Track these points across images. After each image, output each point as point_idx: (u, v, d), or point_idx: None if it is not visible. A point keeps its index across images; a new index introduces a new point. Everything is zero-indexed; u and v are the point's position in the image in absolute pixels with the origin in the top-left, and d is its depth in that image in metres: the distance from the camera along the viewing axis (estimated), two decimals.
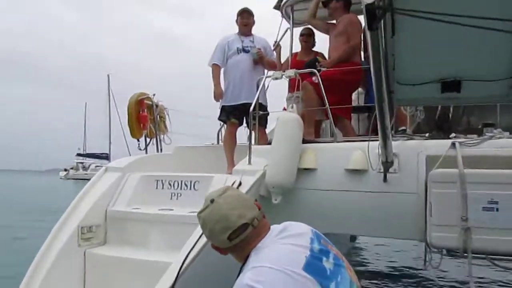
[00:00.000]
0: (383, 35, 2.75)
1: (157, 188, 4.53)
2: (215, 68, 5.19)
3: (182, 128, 6.67)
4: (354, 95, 6.62)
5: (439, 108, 4.37)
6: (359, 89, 6.18)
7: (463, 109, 4.72)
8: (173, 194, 4.41)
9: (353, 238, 8.07)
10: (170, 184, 4.45)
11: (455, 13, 2.20)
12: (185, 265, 3.05)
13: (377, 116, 3.15)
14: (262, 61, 5.14)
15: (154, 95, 5.62)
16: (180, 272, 3.01)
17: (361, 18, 5.11)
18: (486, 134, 3.84)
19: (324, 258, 1.64)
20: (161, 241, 3.83)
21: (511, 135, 3.91)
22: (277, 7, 6.15)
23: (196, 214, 1.81)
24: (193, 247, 3.18)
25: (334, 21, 5.32)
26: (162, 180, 4.50)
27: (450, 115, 4.28)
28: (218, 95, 5.15)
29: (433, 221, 3.42)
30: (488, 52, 2.85)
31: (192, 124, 7.23)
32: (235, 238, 1.69)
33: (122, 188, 4.50)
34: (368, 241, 8.76)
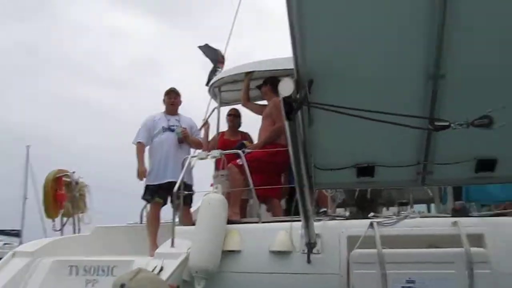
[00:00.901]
0: (301, 124, 2.90)
1: (70, 274, 4.21)
2: (139, 146, 5.14)
3: (104, 206, 6.38)
4: None
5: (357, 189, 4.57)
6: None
7: (381, 190, 4.96)
8: (88, 281, 4.11)
9: None
10: (85, 270, 4.15)
11: (366, 108, 2.38)
12: None
13: (298, 198, 3.23)
14: (187, 140, 5.17)
15: (73, 172, 5.37)
16: None
17: None
18: (402, 213, 4.05)
19: None
20: None
21: (423, 213, 4.16)
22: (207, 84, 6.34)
23: None
24: None
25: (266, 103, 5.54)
26: (76, 266, 4.19)
27: (368, 194, 4.49)
28: (141, 174, 5.05)
29: None
30: (398, 141, 3.07)
31: (115, 202, 6.92)
32: None
33: (31, 276, 4.14)
34: None
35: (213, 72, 6.25)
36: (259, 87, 5.42)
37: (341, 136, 3.10)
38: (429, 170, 3.22)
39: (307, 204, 3.27)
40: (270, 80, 5.37)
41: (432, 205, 5.63)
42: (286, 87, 2.43)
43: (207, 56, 6.51)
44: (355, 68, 2.71)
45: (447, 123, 2.37)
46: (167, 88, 5.49)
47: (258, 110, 5.66)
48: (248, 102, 5.59)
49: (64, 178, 5.29)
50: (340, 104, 2.51)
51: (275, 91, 5.37)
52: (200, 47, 6.58)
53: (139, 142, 5.17)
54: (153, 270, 3.76)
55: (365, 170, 3.26)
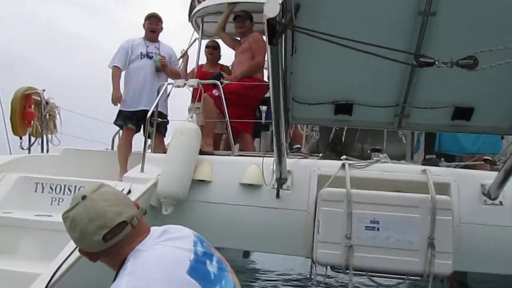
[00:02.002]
0: (283, 52, 2.80)
1: (36, 191, 4.11)
2: (115, 70, 4.96)
3: (74, 130, 6.23)
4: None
5: (333, 130, 4.57)
6: (262, 107, 6.27)
7: (355, 135, 4.98)
8: (53, 199, 4.04)
9: (246, 254, 8.08)
10: (51, 188, 4.07)
11: (353, 38, 2.29)
12: (55, 277, 2.75)
13: (273, 132, 3.19)
14: (165, 69, 5.01)
15: (44, 90, 5.17)
16: (49, 284, 2.71)
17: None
18: (374, 158, 4.07)
19: (208, 262, 1.54)
20: (33, 250, 3.45)
21: (395, 161, 4.20)
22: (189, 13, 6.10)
23: None
24: (68, 257, 2.89)
25: (239, 38, 5.38)
26: (42, 183, 4.10)
27: (343, 138, 4.50)
28: (116, 99, 4.90)
29: (319, 238, 3.51)
30: (380, 79, 3.03)
31: (86, 127, 6.78)
32: (111, 239, 1.48)
33: None
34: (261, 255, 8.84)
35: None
36: (238, 19, 5.22)
37: (323, 70, 3.03)
38: (406, 113, 3.21)
39: (281, 138, 3.22)
40: (251, 16, 5.21)
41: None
42: (272, 8, 2.30)
43: None
44: None
45: (431, 60, 2.31)
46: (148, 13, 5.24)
47: (230, 42, 5.51)
48: (223, 32, 5.43)
49: (33, 97, 5.09)
50: (326, 32, 2.41)
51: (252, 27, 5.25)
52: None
53: (115, 66, 4.97)
54: None
55: (343, 108, 3.23)
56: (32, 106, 5.12)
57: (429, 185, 3.58)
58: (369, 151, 4.44)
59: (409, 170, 3.84)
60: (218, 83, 4.45)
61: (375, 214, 3.47)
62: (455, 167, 4.01)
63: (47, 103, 5.30)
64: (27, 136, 5.11)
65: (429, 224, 3.41)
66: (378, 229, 3.46)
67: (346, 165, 3.79)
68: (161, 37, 5.30)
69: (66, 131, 5.76)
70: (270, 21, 2.31)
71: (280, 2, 2.41)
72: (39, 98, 5.13)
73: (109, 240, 1.48)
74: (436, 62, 2.29)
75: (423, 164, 4.02)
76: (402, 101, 3.11)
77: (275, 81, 2.74)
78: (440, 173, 3.80)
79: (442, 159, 4.47)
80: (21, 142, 5.05)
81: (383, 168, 3.87)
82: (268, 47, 2.49)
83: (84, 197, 1.50)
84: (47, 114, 5.33)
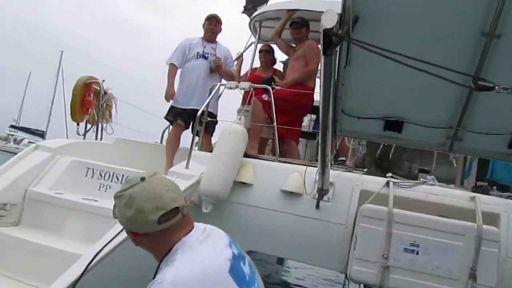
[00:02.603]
0: (337, 63, 2.79)
1: (86, 176, 4.32)
2: (172, 68, 5.10)
3: (128, 121, 6.47)
4: (305, 122, 6.71)
5: (381, 146, 4.47)
6: (312, 115, 6.25)
7: (403, 153, 4.85)
8: (101, 185, 4.22)
9: (280, 261, 8.06)
10: (100, 174, 4.26)
11: (410, 55, 2.24)
12: (96, 259, 2.87)
13: (319, 142, 3.16)
14: (219, 70, 5.10)
15: (103, 81, 5.42)
16: (89, 266, 2.83)
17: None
18: (421, 179, 3.96)
19: (242, 263, 1.59)
20: (78, 231, 3.63)
21: (443, 184, 4.05)
22: (245, 11, 6.21)
23: None
24: (110, 241, 3.01)
25: (294, 45, 5.39)
26: (93, 169, 4.30)
27: (390, 155, 4.39)
28: (169, 96, 5.05)
29: (355, 255, 3.45)
30: (433, 99, 2.94)
31: (139, 119, 7.01)
32: (164, 222, 1.52)
33: (49, 170, 4.26)
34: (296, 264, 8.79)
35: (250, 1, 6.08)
36: (295, 25, 5.23)
37: (376, 84, 2.98)
38: (460, 136, 3.09)
39: (327, 148, 3.20)
40: (308, 23, 5.21)
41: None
42: (329, 19, 2.29)
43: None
44: (405, 12, 2.55)
45: (491, 85, 2.22)
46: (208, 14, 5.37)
47: (285, 48, 5.53)
48: (278, 37, 5.46)
49: (93, 86, 5.34)
50: (382, 47, 2.37)
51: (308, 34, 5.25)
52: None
53: (172, 64, 5.12)
54: None
55: (393, 125, 3.15)
56: (92, 94, 5.36)
57: (477, 213, 3.42)
58: (416, 171, 4.31)
59: (457, 195, 3.70)
60: (269, 88, 4.48)
61: (416, 237, 3.36)
62: (507, 197, 3.81)
63: (105, 93, 5.54)
64: (83, 122, 5.35)
65: (473, 254, 3.27)
66: (417, 253, 3.35)
67: (391, 183, 3.70)
68: (220, 35, 5.41)
69: (120, 121, 6.00)
70: (327, 32, 2.30)
71: (339, 13, 2.41)
72: (98, 88, 5.37)
73: (163, 222, 1.52)
74: (496, 87, 2.20)
75: (472, 191, 3.85)
76: (456, 124, 3.00)
77: (326, 92, 2.72)
78: (490, 202, 3.63)
79: (494, 187, 4.27)
80: (78, 128, 5.31)
81: (429, 190, 3.74)
82: (322, 57, 2.48)
83: (143, 179, 1.57)
84: (104, 103, 5.57)
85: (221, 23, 5.33)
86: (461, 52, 2.61)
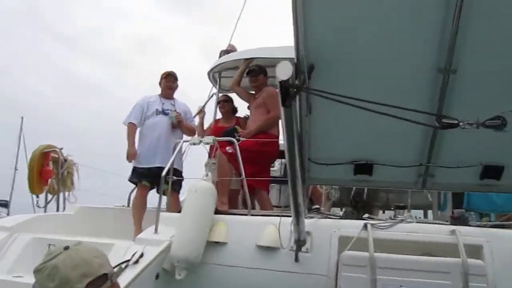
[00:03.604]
0: (298, 112, 2.71)
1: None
2: (131, 127, 4.97)
3: (93, 185, 6.20)
4: (277, 166, 6.60)
5: (354, 188, 4.39)
6: (282, 160, 6.15)
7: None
8: None
9: None
10: None
11: (370, 99, 2.18)
12: None
13: (290, 193, 3.03)
14: (181, 125, 4.99)
15: (61, 148, 5.19)
16: None
17: None
18: (398, 216, 3.86)
19: None
20: None
21: (420, 219, 3.96)
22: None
23: None
24: None
25: (253, 92, 5.36)
26: (54, 245, 3.99)
27: (365, 195, 4.30)
28: (130, 156, 4.87)
29: None
30: (400, 139, 2.88)
31: (105, 182, 6.76)
32: None
33: (6, 251, 3.95)
34: None
35: None
36: (252, 73, 5.21)
37: (340, 129, 2.90)
38: (431, 173, 3.02)
39: (299, 199, 3.06)
40: (265, 70, 5.21)
41: (430, 212, 5.46)
42: (284, 70, 2.23)
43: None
44: (359, 56, 2.51)
45: (455, 121, 2.16)
46: (165, 70, 5.30)
47: (246, 96, 5.49)
48: (238, 86, 5.40)
49: (52, 154, 5.10)
50: (341, 93, 2.31)
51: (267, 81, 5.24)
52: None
53: (130, 123, 4.99)
54: (133, 256, 3.59)
55: (363, 168, 3.06)
56: (50, 163, 5.12)
57: (460, 248, 3.33)
58: (392, 208, 4.21)
59: (436, 231, 3.60)
60: (234, 140, 4.37)
61: (402, 281, 3.22)
62: (486, 226, 3.74)
63: (65, 160, 5.30)
64: (44, 194, 5.07)
65: None
66: None
67: (369, 226, 3.58)
68: (180, 90, 5.35)
69: (84, 186, 5.73)
70: (283, 83, 2.23)
71: (293, 63, 2.35)
72: (57, 156, 5.13)
73: None
74: (461, 124, 2.14)
75: (451, 223, 3.76)
76: (426, 161, 2.93)
77: (290, 142, 2.62)
78: (471, 233, 3.55)
79: (472, 214, 4.22)
80: (37, 201, 5.02)
81: (408, 228, 3.64)
82: (282, 109, 2.40)
83: (67, 248, 1.50)
84: (65, 171, 5.32)
85: (177, 80, 5.27)
86: (419, 91, 2.57)
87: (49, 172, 5.05)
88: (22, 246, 3.97)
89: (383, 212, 5.32)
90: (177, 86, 5.25)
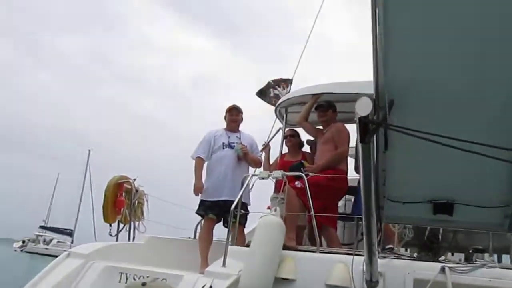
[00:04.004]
0: (375, 148, 2.66)
1: (120, 281, 4.15)
2: (199, 161, 5.10)
3: (161, 217, 6.37)
4: (341, 202, 6.46)
5: (428, 227, 4.18)
6: (346, 196, 6.02)
7: (455, 231, 4.51)
8: None
9: None
10: (135, 279, 4.06)
11: (452, 135, 2.11)
12: None
13: (364, 231, 2.94)
14: (247, 157, 5.05)
15: (135, 179, 5.41)
16: None
17: (349, 127, 5.15)
18: (477, 261, 3.62)
19: None
20: None
21: (503, 264, 3.69)
22: (259, 93, 6.33)
23: None
24: None
25: (321, 127, 5.35)
26: (126, 274, 4.13)
27: (440, 236, 4.08)
28: (197, 189, 4.99)
29: None
30: (484, 177, 2.74)
31: (172, 213, 6.92)
32: None
33: (82, 278, 4.11)
34: None
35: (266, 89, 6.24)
36: (321, 108, 5.22)
37: (419, 166, 2.80)
38: None
39: (373, 237, 2.97)
40: (334, 105, 5.20)
41: (505, 256, 5.08)
42: (364, 106, 2.21)
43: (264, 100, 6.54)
44: (442, 90, 2.44)
45: None
46: (229, 105, 5.44)
47: (313, 132, 5.49)
48: (305, 121, 5.42)
49: (125, 185, 5.33)
50: (421, 129, 2.25)
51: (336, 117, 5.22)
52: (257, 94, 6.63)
53: (198, 157, 5.13)
54: None
55: (443, 207, 2.92)
56: (123, 194, 5.34)
57: None
58: (471, 251, 3.96)
59: None
60: (303, 175, 4.35)
61: None
62: None
63: (136, 190, 5.51)
64: (115, 223, 5.27)
65: None
66: None
67: (447, 269, 3.39)
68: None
69: (152, 217, 5.90)
70: (362, 119, 2.21)
71: (372, 99, 2.33)
72: (130, 187, 5.35)
73: None
74: None
75: None
76: None
77: (367, 180, 2.57)
78: None
79: None
80: (110, 229, 5.22)
81: (490, 274, 3.40)
82: (360, 145, 2.37)
83: (144, 284, 1.69)
84: (136, 201, 5.52)
85: (242, 113, 5.39)
86: (502, 125, 2.45)
87: (122, 202, 5.25)
88: (97, 274, 4.12)
89: (452, 255, 5.01)
90: (242, 118, 5.37)
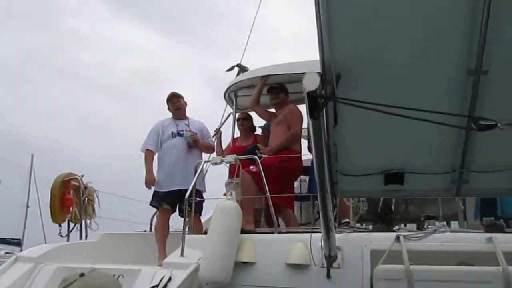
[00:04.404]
0: (325, 124, 2.66)
1: None
2: (148, 154, 4.98)
3: (113, 212, 6.16)
4: (296, 183, 6.51)
5: (381, 199, 4.28)
6: (301, 176, 6.06)
7: (407, 200, 4.65)
8: None
9: None
10: None
11: (399, 104, 2.12)
12: None
13: (320, 207, 2.96)
14: (197, 144, 4.95)
15: (82, 176, 5.17)
16: None
17: (302, 108, 5.16)
18: (429, 227, 3.74)
19: None
20: None
21: (453, 229, 3.85)
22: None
23: None
24: None
25: (274, 110, 5.33)
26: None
27: (393, 207, 4.19)
28: (149, 182, 4.87)
29: None
30: (431, 145, 2.80)
31: (125, 209, 6.72)
32: None
33: (32, 282, 3.90)
34: None
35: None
36: (272, 91, 5.19)
37: (369, 139, 2.83)
38: (465, 178, 2.93)
39: (329, 213, 2.99)
40: (285, 88, 5.19)
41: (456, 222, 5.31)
42: (311, 81, 2.19)
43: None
44: (387, 62, 2.45)
45: (493, 123, 2.09)
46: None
47: (266, 115, 5.46)
48: (257, 105, 5.37)
49: (72, 182, 5.09)
50: (369, 101, 2.25)
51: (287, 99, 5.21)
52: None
53: (147, 149, 4.98)
54: (161, 280, 3.52)
55: (394, 177, 2.98)
56: (71, 191, 5.10)
57: (499, 256, 3.20)
58: (422, 219, 4.09)
59: (472, 239, 3.48)
60: (257, 158, 4.32)
61: None
62: None
63: (85, 187, 5.28)
64: (65, 223, 5.04)
65: None
66: None
67: (401, 237, 3.47)
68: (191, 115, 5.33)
69: (104, 214, 5.69)
70: (311, 94, 2.18)
71: (320, 74, 2.31)
72: (78, 184, 5.12)
73: None
74: (499, 124, 2.07)
75: (486, 231, 3.64)
76: (459, 166, 2.84)
77: (319, 155, 2.57)
78: (509, 240, 3.42)
79: (502, 222, 4.07)
80: (60, 230, 4.98)
81: (442, 238, 3.52)
82: (310, 121, 2.35)
83: (82, 274, 1.55)
84: (86, 199, 5.29)
85: (182, 97, 5.25)
86: (451, 94, 2.51)
87: (70, 200, 5.02)
88: (49, 276, 3.92)
89: (405, 225, 5.19)
90: (185, 103, 5.24)
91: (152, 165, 4.99)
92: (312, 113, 2.27)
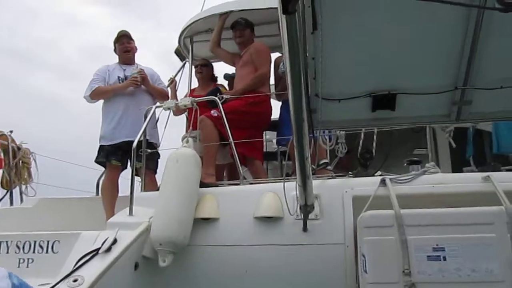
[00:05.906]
0: (302, 29, 2.09)
1: (0, 252, 3.29)
2: (100, 87, 4.30)
3: (54, 179, 5.41)
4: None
5: (361, 143, 3.79)
6: (267, 135, 5.50)
7: (390, 143, 4.16)
8: (21, 260, 3.22)
9: None
10: (18, 247, 3.26)
11: None
12: None
13: (295, 143, 2.39)
14: (146, 84, 4.30)
15: (11, 131, 4.38)
16: None
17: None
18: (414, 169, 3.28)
19: None
20: None
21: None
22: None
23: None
24: None
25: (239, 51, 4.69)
26: (7, 242, 3.28)
27: (374, 151, 3.71)
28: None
29: (368, 279, 2.65)
30: (429, 57, 2.29)
31: (68, 175, 5.96)
32: None
33: None
34: None
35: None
36: (237, 27, 4.53)
37: (354, 52, 2.28)
38: (467, 99, 2.44)
39: (305, 151, 2.43)
40: (251, 23, 4.56)
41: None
42: None
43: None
44: None
45: None
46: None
47: (229, 58, 4.82)
48: (218, 47, 4.71)
49: (0, 141, 4.31)
50: None
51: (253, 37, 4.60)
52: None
53: (97, 87, 4.29)
54: (103, 243, 2.90)
55: (384, 101, 2.46)
56: (1, 153, 4.34)
57: (499, 194, 2.77)
58: (406, 165, 3.64)
59: (467, 179, 3.05)
60: (217, 99, 3.70)
61: (438, 239, 2.62)
62: None
63: (18, 148, 4.52)
64: None
65: (510, 244, 2.58)
66: (444, 258, 2.60)
67: (388, 181, 3.00)
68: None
69: (44, 180, 4.94)
70: None
71: None
72: (6, 143, 4.34)
73: None
74: None
75: (480, 170, 3.22)
76: (462, 83, 2.35)
77: (294, 70, 1.98)
78: (507, 178, 3.00)
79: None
80: None
81: (433, 180, 3.07)
82: (283, 18, 1.76)
83: None
84: (20, 161, 4.54)
85: (133, 40, 4.55)
86: None
87: None
88: None
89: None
90: (136, 48, 4.56)
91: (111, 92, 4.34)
92: (285, 7, 1.68)
